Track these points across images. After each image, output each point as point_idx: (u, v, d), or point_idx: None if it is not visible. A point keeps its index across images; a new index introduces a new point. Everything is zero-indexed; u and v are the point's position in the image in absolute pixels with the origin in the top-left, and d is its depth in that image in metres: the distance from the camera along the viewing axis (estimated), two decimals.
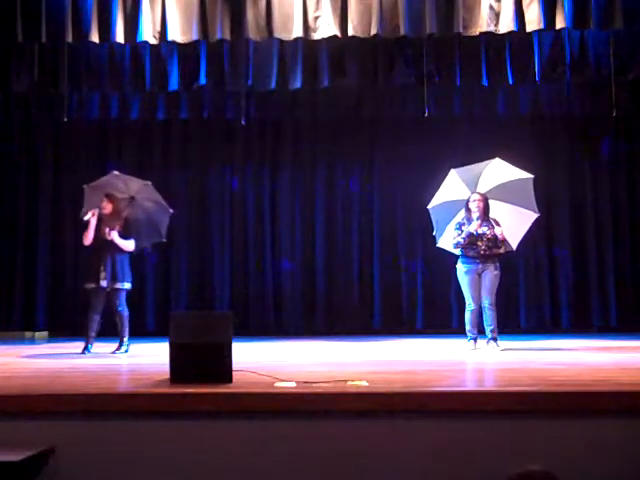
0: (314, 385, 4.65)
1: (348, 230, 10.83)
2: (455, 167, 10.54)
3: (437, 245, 8.29)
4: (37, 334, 10.52)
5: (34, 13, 8.10)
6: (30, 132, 10.87)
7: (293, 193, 10.91)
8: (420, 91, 9.22)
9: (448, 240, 7.99)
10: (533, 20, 8.03)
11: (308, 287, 10.76)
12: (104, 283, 7.63)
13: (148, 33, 8.16)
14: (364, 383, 4.70)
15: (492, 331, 7.58)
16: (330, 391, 4.50)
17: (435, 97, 9.84)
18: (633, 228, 10.54)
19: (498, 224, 7.65)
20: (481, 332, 7.67)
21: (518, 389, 4.62)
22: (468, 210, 7.76)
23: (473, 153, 10.56)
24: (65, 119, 9.08)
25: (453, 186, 8.01)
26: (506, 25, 8.05)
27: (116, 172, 8.26)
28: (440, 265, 10.68)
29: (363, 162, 10.92)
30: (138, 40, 8.28)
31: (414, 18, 8.01)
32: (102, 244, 7.64)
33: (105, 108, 10.51)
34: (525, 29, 8.12)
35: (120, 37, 8.23)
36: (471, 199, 7.73)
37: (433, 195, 10.70)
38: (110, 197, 7.81)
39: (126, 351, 7.77)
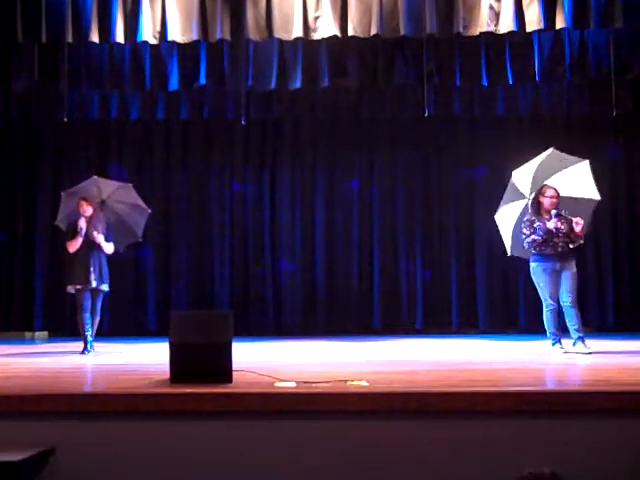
0: (314, 385, 4.64)
1: (348, 230, 10.82)
2: (455, 166, 10.68)
3: (509, 254, 7.71)
4: (37, 334, 10.52)
5: (34, 13, 8.11)
6: (30, 132, 10.87)
7: (293, 193, 10.90)
8: (420, 91, 9.22)
9: (517, 241, 7.38)
10: (533, 20, 8.04)
11: (308, 287, 10.76)
12: (94, 283, 7.70)
13: (148, 33, 8.17)
14: (364, 383, 4.70)
15: (577, 330, 7.08)
16: (330, 391, 4.50)
17: (435, 97, 9.83)
18: (632, 228, 10.52)
19: (572, 216, 7.13)
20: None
21: (518, 389, 4.62)
22: (537, 205, 7.22)
23: (473, 153, 10.64)
24: (65, 119, 9.06)
25: (513, 190, 7.52)
26: (506, 25, 8.05)
27: (95, 177, 8.33)
28: (440, 265, 10.72)
29: (363, 162, 10.92)
30: (138, 40, 8.29)
31: (414, 18, 8.02)
32: (88, 245, 7.73)
33: (105, 108, 10.49)
34: (525, 29, 8.12)
35: (120, 37, 8.23)
36: (546, 194, 7.16)
37: (434, 196, 10.84)
38: (87, 200, 7.89)
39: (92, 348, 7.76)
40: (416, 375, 5.63)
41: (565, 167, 7.43)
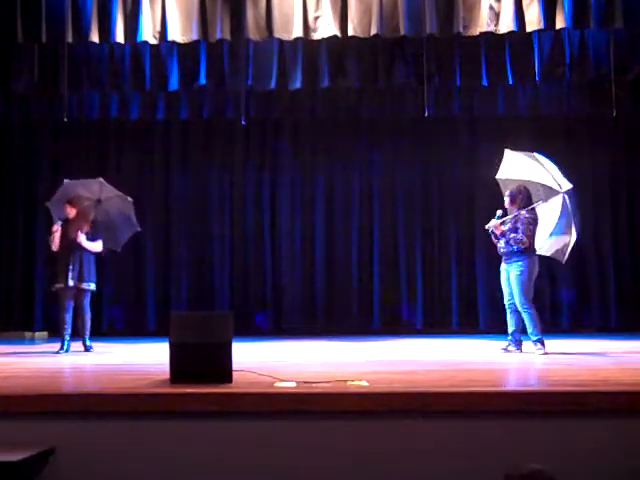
0: (314, 385, 4.65)
1: (348, 229, 10.82)
2: (455, 166, 10.67)
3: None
4: (37, 334, 10.51)
5: (34, 13, 8.11)
6: (30, 132, 10.87)
7: (293, 193, 10.90)
8: (420, 91, 9.22)
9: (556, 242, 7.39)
10: (533, 20, 8.04)
11: (308, 287, 10.76)
12: (71, 282, 7.77)
13: (148, 33, 8.17)
14: (364, 383, 4.70)
15: (531, 334, 7.09)
16: (330, 391, 4.50)
17: (435, 97, 9.83)
18: (633, 228, 10.53)
19: (531, 222, 7.07)
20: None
21: (518, 389, 4.63)
22: None
23: (473, 153, 10.63)
24: (65, 119, 9.07)
25: (534, 168, 7.30)
26: (506, 25, 8.05)
27: (101, 179, 8.39)
28: (440, 265, 10.72)
29: (363, 162, 10.92)
30: (138, 40, 8.29)
31: (414, 18, 8.02)
32: (70, 246, 7.80)
33: (105, 108, 10.50)
34: (525, 29, 8.12)
35: (120, 37, 8.24)
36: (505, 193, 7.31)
37: (434, 196, 10.84)
38: (71, 203, 7.97)
39: (90, 348, 7.86)
40: (416, 375, 5.63)
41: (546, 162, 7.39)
